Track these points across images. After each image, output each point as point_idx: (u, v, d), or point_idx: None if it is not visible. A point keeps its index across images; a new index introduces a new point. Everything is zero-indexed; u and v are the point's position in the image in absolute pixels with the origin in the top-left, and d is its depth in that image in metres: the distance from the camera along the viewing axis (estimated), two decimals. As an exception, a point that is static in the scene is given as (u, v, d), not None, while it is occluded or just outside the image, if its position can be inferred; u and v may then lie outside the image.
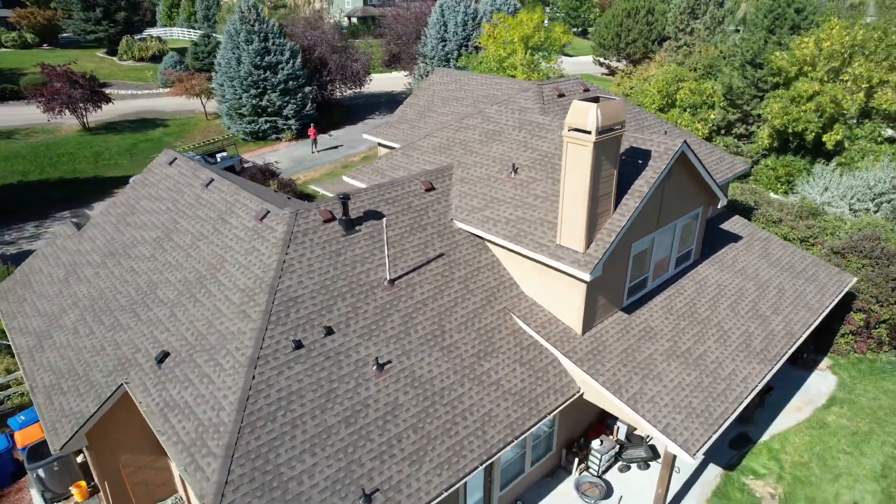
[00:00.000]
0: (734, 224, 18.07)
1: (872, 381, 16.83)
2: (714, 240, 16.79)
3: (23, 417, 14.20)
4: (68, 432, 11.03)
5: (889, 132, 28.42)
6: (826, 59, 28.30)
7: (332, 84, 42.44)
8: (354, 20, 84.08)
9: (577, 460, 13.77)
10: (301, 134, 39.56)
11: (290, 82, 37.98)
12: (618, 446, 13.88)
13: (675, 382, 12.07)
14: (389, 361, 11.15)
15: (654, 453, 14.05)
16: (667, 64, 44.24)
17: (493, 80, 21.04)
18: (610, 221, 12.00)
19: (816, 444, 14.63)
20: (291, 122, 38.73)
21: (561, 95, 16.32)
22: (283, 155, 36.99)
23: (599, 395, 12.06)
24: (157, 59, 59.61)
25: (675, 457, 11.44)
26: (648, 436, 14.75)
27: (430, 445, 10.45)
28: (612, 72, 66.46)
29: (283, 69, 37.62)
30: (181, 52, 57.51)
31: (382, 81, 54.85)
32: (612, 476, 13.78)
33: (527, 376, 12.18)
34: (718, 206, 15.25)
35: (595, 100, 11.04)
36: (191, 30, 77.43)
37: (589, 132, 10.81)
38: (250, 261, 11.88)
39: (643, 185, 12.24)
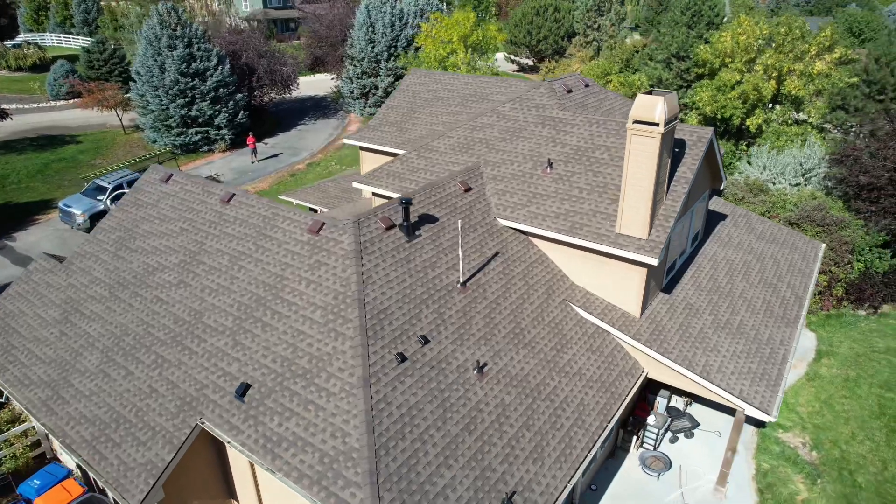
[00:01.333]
0: (714, 203, 19.71)
1: (844, 333, 19.15)
2: (708, 219, 18.23)
3: (37, 482, 12.31)
4: (143, 486, 9.80)
5: (797, 115, 32.23)
6: (742, 52, 31.55)
7: (262, 90, 40.31)
8: (255, 23, 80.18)
9: (634, 438, 14.42)
10: (235, 144, 37.27)
11: (221, 90, 35.62)
12: (669, 420, 14.71)
13: (731, 352, 13.05)
14: (486, 364, 11.04)
15: (695, 422, 15.05)
16: (589, 59, 46.90)
17: (478, 80, 21.25)
18: (665, 208, 12.70)
19: (821, 394, 16.43)
20: (224, 131, 36.35)
21: (570, 91, 16.89)
22: (221, 167, 34.65)
23: (667, 372, 12.75)
24: (39, 68, 53.23)
25: (743, 420, 12.39)
26: (686, 407, 15.76)
27: (544, 441, 10.51)
28: (524, 69, 69.17)
29: (211, 76, 35.19)
30: (70, 59, 51.79)
31: (305, 85, 52.95)
32: (664, 448, 14.59)
33: (600, 363, 12.58)
34: (721, 188, 16.61)
35: (649, 93, 11.65)
36: (69, 36, 69.90)
37: (657, 124, 11.38)
38: (320, 276, 11.19)
39: (687, 171, 13.08)
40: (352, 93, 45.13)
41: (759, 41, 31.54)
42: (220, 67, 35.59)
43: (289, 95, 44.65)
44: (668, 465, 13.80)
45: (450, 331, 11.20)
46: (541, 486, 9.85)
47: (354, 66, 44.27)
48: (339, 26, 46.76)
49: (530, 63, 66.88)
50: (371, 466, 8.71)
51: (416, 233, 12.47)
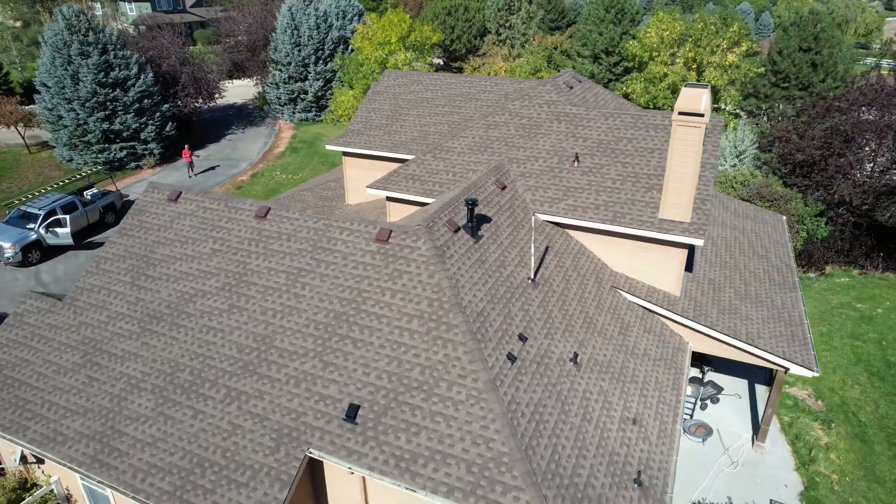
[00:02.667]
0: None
1: (805, 294, 21.61)
2: (691, 202, 19.75)
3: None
4: (261, 531, 8.99)
5: (716, 104, 35.64)
6: (666, 47, 34.38)
7: (185, 99, 37.41)
8: (143, 28, 73.90)
9: (673, 410, 15.37)
10: (165, 158, 34.35)
11: (145, 100, 32.63)
12: (700, 388, 15.86)
13: (760, 319, 14.34)
14: (577, 354, 11.32)
15: (719, 388, 16.35)
16: (513, 58, 48.48)
17: (460, 79, 21.36)
18: (698, 192, 13.68)
19: (806, 349, 18.46)
20: (152, 145, 33.37)
21: (571, 87, 17.55)
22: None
23: (711, 344, 13.76)
24: None
25: (783, 380, 13.70)
26: (704, 375, 17.04)
27: (644, 422, 10.98)
28: (437, 69, 69.85)
29: (133, 86, 32.13)
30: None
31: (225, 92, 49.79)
32: (697, 415, 15.72)
33: (656, 342, 13.32)
34: (709, 172, 18.08)
35: (691, 86, 12.52)
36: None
37: (702, 115, 12.25)
38: (404, 284, 10.84)
39: (710, 157, 14.17)
40: (279, 99, 43.25)
41: (682, 36, 34.53)
42: (141, 76, 32.59)
43: (213, 104, 41.82)
44: (709, 430, 14.89)
45: (538, 326, 11.34)
46: (655, 464, 10.31)
47: (280, 70, 42.46)
48: (261, 30, 44.48)
49: (441, 63, 67.73)
50: (527, 467, 8.67)
51: (479, 233, 12.44)
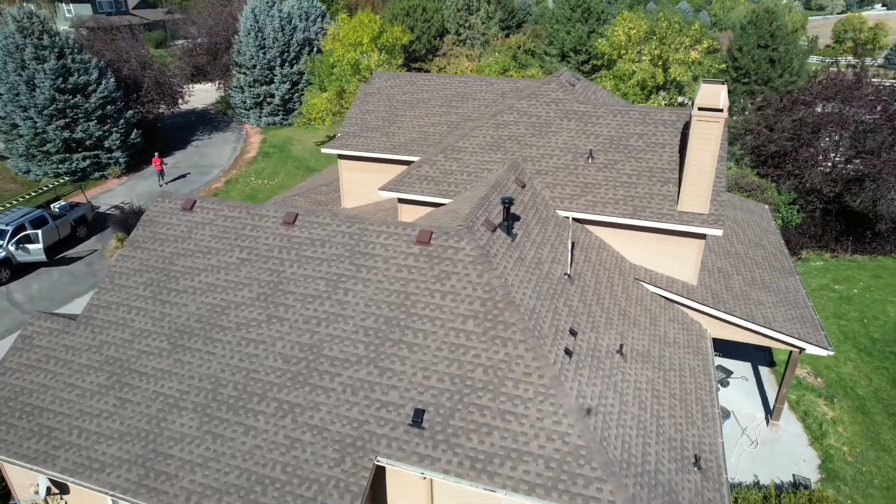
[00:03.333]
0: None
1: (786, 278, 22.77)
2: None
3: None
4: (338, 544, 8.76)
5: (681, 98, 37.08)
6: (633, 44, 35.48)
7: (149, 105, 35.76)
8: (84, 31, 70.07)
9: (690, 395, 15.92)
10: (131, 167, 32.76)
11: (108, 106, 31.01)
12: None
13: (770, 303, 15.04)
14: (623, 345, 11.57)
15: (728, 371, 17.05)
16: (478, 57, 48.80)
17: (455, 80, 21.35)
18: (714, 184, 14.21)
19: (797, 330, 19.49)
20: (118, 154, 31.76)
21: (573, 86, 17.87)
22: (125, 193, 30.28)
23: (729, 329, 14.34)
24: None
25: (797, 361, 14.42)
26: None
27: (688, 407, 11.34)
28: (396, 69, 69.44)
29: (94, 92, 30.48)
30: None
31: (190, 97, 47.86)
32: (710, 399, 16.34)
33: (682, 330, 13.77)
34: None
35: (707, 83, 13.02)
36: None
37: (721, 110, 12.75)
38: (453, 285, 10.79)
39: (721, 151, 14.74)
40: (244, 103, 42.03)
41: (644, 34, 35.72)
42: (102, 81, 30.95)
43: (175, 110, 40.16)
44: (727, 413, 15.51)
45: (583, 321, 11.52)
46: (706, 447, 10.67)
47: (245, 74, 41.25)
48: (223, 32, 43.01)
49: (401, 63, 67.45)
50: (606, 458, 8.81)
51: (514, 232, 12.52)
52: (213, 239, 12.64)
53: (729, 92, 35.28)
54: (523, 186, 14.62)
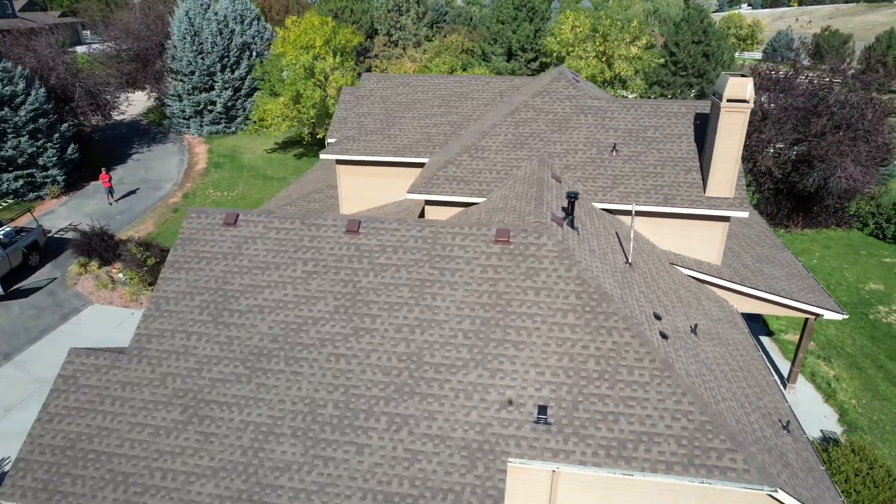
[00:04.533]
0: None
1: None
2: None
3: None
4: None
5: (623, 93, 39.19)
6: (579, 41, 37.06)
7: (82, 116, 32.58)
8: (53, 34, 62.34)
9: (713, 368, 17.03)
10: (71, 186, 29.75)
11: (40, 119, 27.97)
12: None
13: (780, 276, 16.39)
14: (696, 325, 12.20)
15: (736, 342, 18.36)
16: (419, 58, 48.75)
17: (448, 79, 21.32)
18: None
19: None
20: (55, 171, 28.73)
21: (577, 80, 18.46)
22: (70, 215, 27.46)
23: (752, 303, 15.49)
24: None
25: (813, 327, 15.83)
26: (718, 334, 18.98)
27: (755, 375, 12.18)
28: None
29: (23, 104, 27.39)
30: None
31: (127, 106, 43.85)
32: (727, 370, 17.56)
33: (718, 308, 14.70)
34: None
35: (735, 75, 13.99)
36: None
37: (747, 101, 13.74)
38: (544, 281, 10.91)
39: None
40: (183, 112, 39.43)
41: (589, 31, 37.44)
42: (32, 92, 27.87)
43: (107, 122, 36.86)
44: (747, 380, 16.72)
45: (657, 305, 12.03)
46: (782, 411, 11.53)
47: (182, 81, 38.66)
48: (155, 37, 39.91)
49: (352, 64, 65.95)
50: (730, 430, 9.31)
51: (576, 225, 12.82)
52: (269, 253, 11.91)
53: (668, 85, 37.78)
54: (559, 181, 14.97)
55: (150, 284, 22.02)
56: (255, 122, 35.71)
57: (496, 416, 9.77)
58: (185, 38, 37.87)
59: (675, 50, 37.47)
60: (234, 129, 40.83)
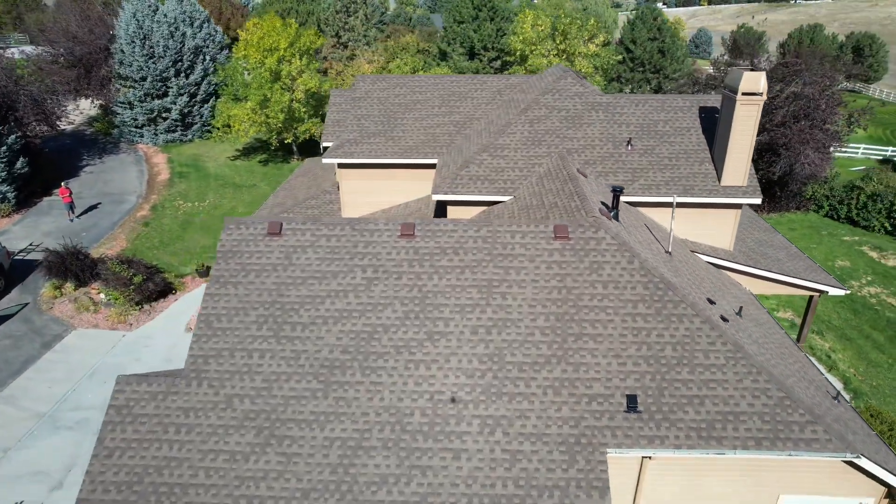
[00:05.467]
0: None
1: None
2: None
3: None
4: (606, 542, 8.74)
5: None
6: (541, 40, 37.86)
7: (27, 127, 29.96)
8: None
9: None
10: (22, 202, 27.36)
11: (-15, 131, 25.61)
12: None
13: (784, 258, 17.43)
14: (742, 307, 12.80)
15: (739, 323, 19.38)
16: (375, 60, 48.19)
17: (446, 79, 21.22)
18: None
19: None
20: (4, 188, 26.34)
21: (583, 78, 18.88)
22: (28, 234, 25.25)
23: (763, 284, 16.41)
24: None
25: (817, 304, 16.94)
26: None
27: (793, 353, 12.92)
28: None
29: (-34, 113, 24.97)
30: None
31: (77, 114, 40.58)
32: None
33: (735, 289, 15.48)
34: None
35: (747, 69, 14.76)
36: None
37: (760, 94, 14.54)
38: (609, 274, 11.13)
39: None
40: (135, 120, 37.13)
41: (550, 30, 38.36)
42: (-26, 102, 25.46)
43: (55, 132, 34.11)
44: (757, 357, 17.69)
45: (706, 290, 12.53)
46: (826, 385, 12.31)
47: (134, 87, 36.37)
48: (99, 41, 37.21)
49: (318, 66, 64.11)
50: (807, 404, 9.86)
51: (619, 219, 13.14)
52: (322, 262, 11.48)
53: (627, 80, 39.26)
54: (585, 176, 15.28)
55: (139, 304, 20.69)
56: (218, 129, 34.17)
57: (587, 409, 9.88)
58: (133, 42, 35.67)
59: (631, 47, 39.05)
60: (190, 136, 38.89)
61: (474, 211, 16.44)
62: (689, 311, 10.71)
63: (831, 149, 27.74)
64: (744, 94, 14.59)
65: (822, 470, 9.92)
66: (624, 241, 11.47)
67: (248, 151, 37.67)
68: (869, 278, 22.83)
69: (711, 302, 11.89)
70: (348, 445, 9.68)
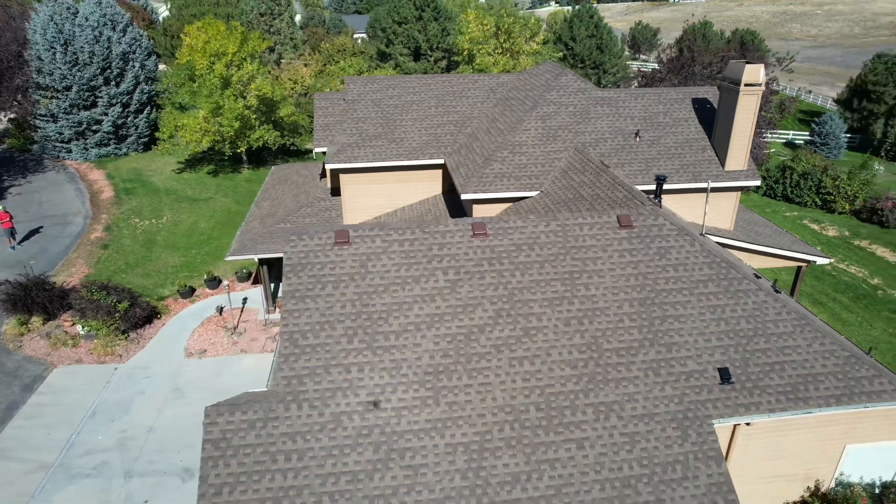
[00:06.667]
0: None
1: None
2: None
3: None
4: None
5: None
6: (487, 39, 38.59)
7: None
8: None
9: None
10: (-52, 231, 24.03)
11: None
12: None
13: (771, 234, 19.11)
14: (776, 281, 13.92)
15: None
16: (312, 64, 46.84)
17: (438, 79, 21.16)
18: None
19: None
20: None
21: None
22: (-36, 267, 22.22)
23: (759, 258, 17.92)
24: None
25: (805, 271, 18.72)
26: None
27: (812, 320, 14.27)
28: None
29: None
30: None
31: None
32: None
33: (745, 267, 16.81)
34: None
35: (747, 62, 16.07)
36: None
37: (759, 84, 15.86)
38: (676, 258, 11.78)
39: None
40: (60, 134, 33.68)
41: (493, 29, 39.22)
42: None
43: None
44: (754, 326, 19.30)
45: (743, 267, 13.54)
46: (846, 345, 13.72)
47: (56, 98, 32.96)
48: (10, 46, 33.19)
49: (267, 71, 60.56)
50: (870, 360, 11.00)
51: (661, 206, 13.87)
52: (400, 267, 11.24)
53: (572, 78, 40.92)
54: (608, 168, 15.95)
55: (125, 333, 18.97)
56: (163, 140, 31.82)
57: (687, 385, 10.43)
58: (53, 48, 32.34)
59: (571, 44, 40.79)
60: (125, 150, 35.92)
61: (499, 208, 16.65)
62: (753, 285, 11.59)
63: (767, 134, 30.64)
64: (746, 84, 15.88)
65: (882, 417, 11.11)
66: (682, 226, 12.18)
67: (192, 163, 35.38)
68: (818, 248, 25.50)
69: (757, 276, 12.90)
70: (472, 449, 9.60)
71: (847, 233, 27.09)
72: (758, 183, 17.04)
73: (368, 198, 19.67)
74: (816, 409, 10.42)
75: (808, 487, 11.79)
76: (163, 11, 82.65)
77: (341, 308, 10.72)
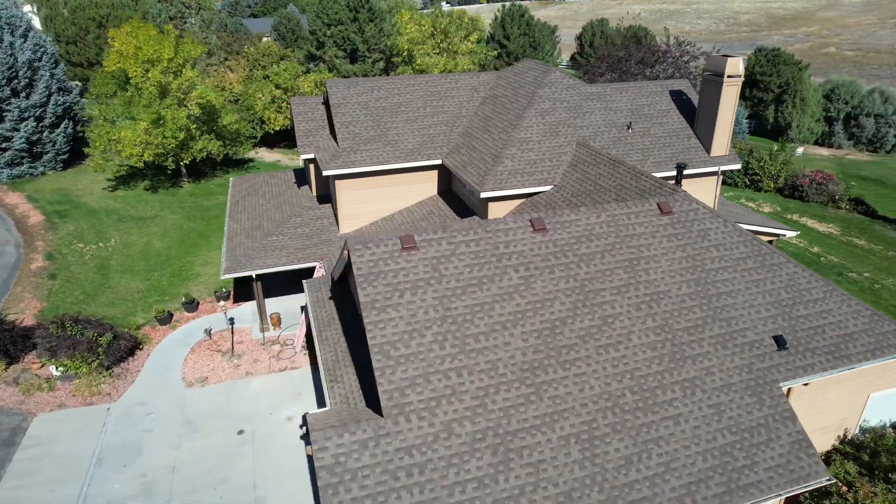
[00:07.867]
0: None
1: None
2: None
3: None
4: (813, 463, 10.25)
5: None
6: (425, 39, 38.68)
7: None
8: None
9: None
10: None
11: None
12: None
13: (744, 213, 20.88)
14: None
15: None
16: (242, 69, 44.40)
17: (420, 79, 20.99)
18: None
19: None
20: None
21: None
22: None
23: (740, 236, 19.58)
24: None
25: (775, 244, 20.62)
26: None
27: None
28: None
29: None
30: None
31: None
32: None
33: (735, 243, 18.30)
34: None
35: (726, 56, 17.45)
36: None
37: (739, 76, 17.29)
38: (716, 239, 12.64)
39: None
40: (-38, 153, 29.55)
41: (430, 30, 39.46)
42: None
43: None
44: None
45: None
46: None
47: (-44, 112, 28.85)
48: None
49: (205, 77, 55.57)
50: (887, 318, 12.45)
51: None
52: (470, 268, 11.19)
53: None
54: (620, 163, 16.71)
55: (108, 368, 17.21)
56: (95, 156, 28.89)
57: (749, 354, 11.28)
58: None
59: (505, 42, 41.86)
60: (41, 169, 32.23)
61: (512, 205, 16.92)
62: (783, 259, 12.72)
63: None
64: (729, 76, 17.27)
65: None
66: (712, 210, 13.10)
67: (125, 180, 32.47)
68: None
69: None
70: (582, 439, 9.80)
71: (779, 208, 30.14)
72: (738, 166, 18.61)
73: (366, 203, 19.19)
74: (857, 364, 11.67)
75: (838, 436, 13.15)
76: (30, 15, 74.27)
77: (424, 314, 10.49)
